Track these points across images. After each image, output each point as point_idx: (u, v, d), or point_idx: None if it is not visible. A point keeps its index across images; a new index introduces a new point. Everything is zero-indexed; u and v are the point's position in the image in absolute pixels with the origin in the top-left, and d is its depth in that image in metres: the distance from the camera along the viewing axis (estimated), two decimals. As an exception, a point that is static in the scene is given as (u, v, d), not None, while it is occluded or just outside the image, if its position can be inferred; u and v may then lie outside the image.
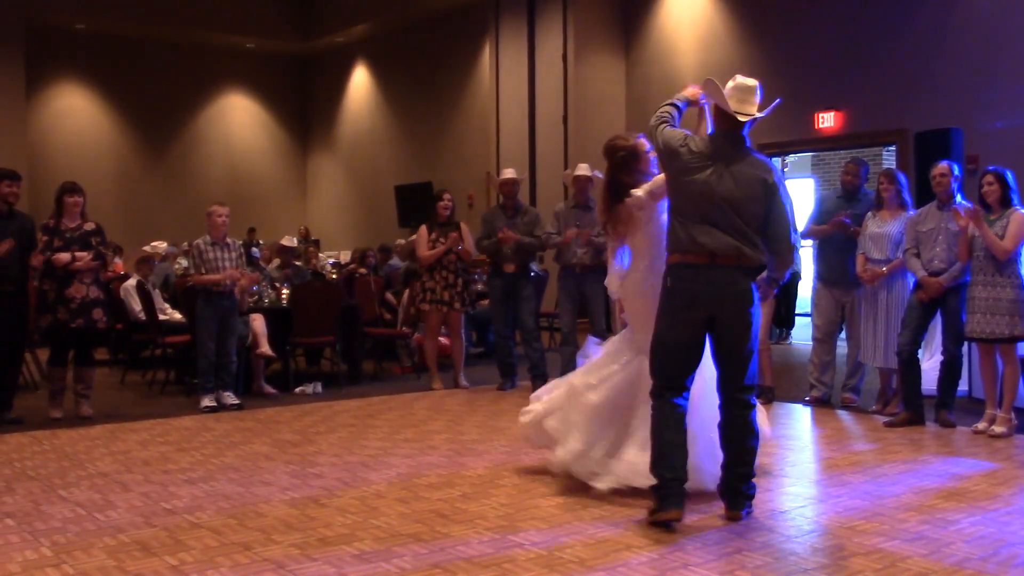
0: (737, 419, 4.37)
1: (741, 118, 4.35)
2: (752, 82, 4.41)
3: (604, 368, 5.02)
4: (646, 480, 4.37)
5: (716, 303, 4.27)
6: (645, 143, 4.94)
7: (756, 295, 4.34)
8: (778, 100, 4.64)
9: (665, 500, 4.20)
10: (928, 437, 6.28)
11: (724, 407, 4.41)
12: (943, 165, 6.62)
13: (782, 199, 4.36)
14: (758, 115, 4.41)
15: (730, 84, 4.41)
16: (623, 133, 5.24)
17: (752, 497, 4.42)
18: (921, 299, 6.56)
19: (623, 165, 4.95)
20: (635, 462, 4.68)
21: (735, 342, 4.31)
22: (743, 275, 4.29)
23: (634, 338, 4.97)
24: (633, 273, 4.97)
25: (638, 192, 4.82)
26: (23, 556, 3.92)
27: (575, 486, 4.92)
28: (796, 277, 11.93)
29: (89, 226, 7.16)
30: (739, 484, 4.38)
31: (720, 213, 4.29)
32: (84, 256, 6.97)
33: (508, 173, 8.72)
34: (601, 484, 4.74)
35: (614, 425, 4.90)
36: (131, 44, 18.39)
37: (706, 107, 4.70)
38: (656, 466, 4.26)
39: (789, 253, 4.42)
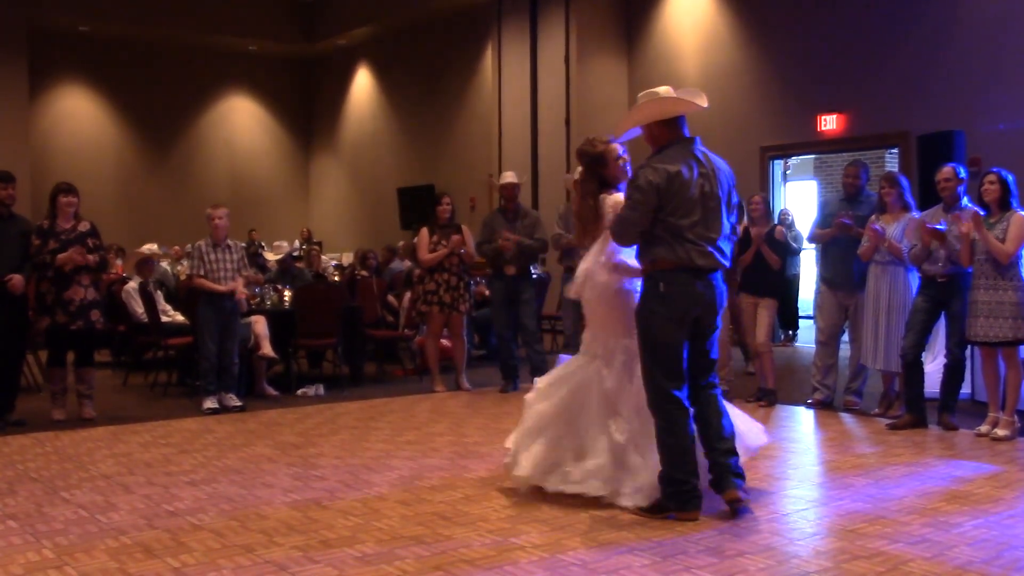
0: (710, 399, 4.54)
1: (702, 103, 4.53)
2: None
3: (554, 376, 4.96)
4: (601, 489, 4.57)
5: (704, 307, 4.51)
6: (617, 149, 4.96)
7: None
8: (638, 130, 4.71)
9: (688, 503, 4.36)
10: (931, 440, 6.28)
11: (693, 395, 4.52)
12: (947, 169, 6.61)
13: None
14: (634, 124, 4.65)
15: (664, 91, 4.59)
16: (597, 137, 5.12)
17: (742, 476, 4.49)
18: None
19: (590, 168, 4.99)
20: (590, 470, 4.64)
21: (713, 339, 4.59)
22: (721, 279, 4.60)
23: (591, 342, 4.88)
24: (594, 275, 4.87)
25: (618, 196, 4.80)
26: (25, 558, 3.93)
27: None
28: (796, 279, 11.93)
29: (84, 226, 7.15)
30: (724, 459, 4.43)
31: (713, 217, 4.46)
32: (85, 253, 6.97)
33: (508, 177, 8.71)
34: (571, 488, 4.65)
35: (572, 430, 4.77)
36: (134, 47, 18.41)
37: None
38: (673, 472, 4.38)
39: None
